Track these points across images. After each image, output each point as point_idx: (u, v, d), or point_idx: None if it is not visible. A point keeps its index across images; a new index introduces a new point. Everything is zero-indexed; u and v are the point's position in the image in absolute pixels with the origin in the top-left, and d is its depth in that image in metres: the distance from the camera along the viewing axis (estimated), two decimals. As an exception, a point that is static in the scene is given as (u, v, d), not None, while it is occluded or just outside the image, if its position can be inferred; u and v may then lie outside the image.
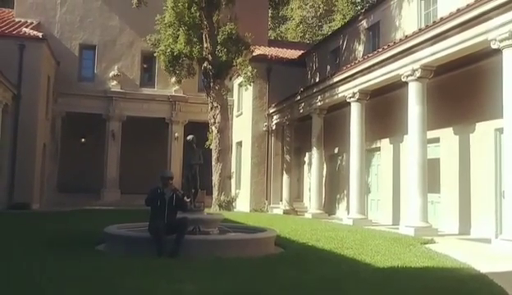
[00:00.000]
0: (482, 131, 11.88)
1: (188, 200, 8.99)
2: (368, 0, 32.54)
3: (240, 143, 24.42)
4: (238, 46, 19.82)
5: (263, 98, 22.73)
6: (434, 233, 11.33)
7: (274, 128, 22.44)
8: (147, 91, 25.40)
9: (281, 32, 42.09)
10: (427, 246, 9.35)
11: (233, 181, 24.10)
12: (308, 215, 18.07)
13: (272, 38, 36.11)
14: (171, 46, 19.80)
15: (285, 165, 21.52)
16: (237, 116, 24.81)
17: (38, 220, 14.18)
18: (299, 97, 19.30)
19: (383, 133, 16.03)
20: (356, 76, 14.93)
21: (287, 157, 21.44)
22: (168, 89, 25.36)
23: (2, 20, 23.17)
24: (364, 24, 19.31)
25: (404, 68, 12.44)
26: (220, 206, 19.67)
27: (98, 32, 25.13)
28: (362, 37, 19.45)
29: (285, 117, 21.03)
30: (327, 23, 38.88)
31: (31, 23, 23.40)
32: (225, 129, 20.50)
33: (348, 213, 15.90)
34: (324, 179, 19.32)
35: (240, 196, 22.79)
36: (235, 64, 19.95)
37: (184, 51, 19.70)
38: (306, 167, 22.00)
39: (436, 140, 13.30)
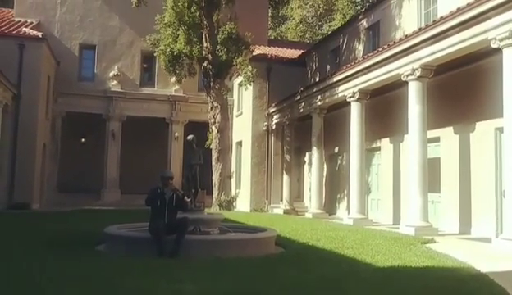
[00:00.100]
0: (483, 130, 11.88)
1: (188, 200, 8.97)
2: (367, -1, 32.55)
3: (240, 143, 24.42)
4: (238, 45, 19.81)
5: (263, 98, 22.73)
6: (434, 233, 11.33)
7: (274, 127, 22.43)
8: (147, 91, 25.40)
9: (281, 31, 42.10)
10: (427, 245, 9.34)
11: (233, 181, 24.11)
12: (308, 215, 18.07)
13: (272, 37, 36.11)
14: (171, 45, 19.80)
15: (285, 165, 21.52)
16: (237, 116, 24.80)
17: (38, 220, 14.18)
18: (299, 97, 19.29)
19: (383, 133, 16.02)
20: (356, 76, 14.92)
21: (287, 157, 21.43)
22: (168, 89, 25.36)
23: (1, 20, 23.16)
24: (364, 23, 19.30)
25: (404, 67, 12.43)
26: (220, 205, 19.66)
27: (98, 32, 25.12)
28: (362, 36, 19.44)
29: (285, 117, 21.02)
30: (327, 22, 38.90)
31: (31, 23, 23.39)
32: (225, 129, 20.50)
33: (348, 213, 15.90)
34: (324, 178, 19.32)
35: (240, 196, 22.79)
36: (235, 63, 19.94)
37: (184, 50, 19.69)
38: (306, 167, 22.00)
39: (437, 139, 13.30)
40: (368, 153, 16.36)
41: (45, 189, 22.23)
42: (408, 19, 16.30)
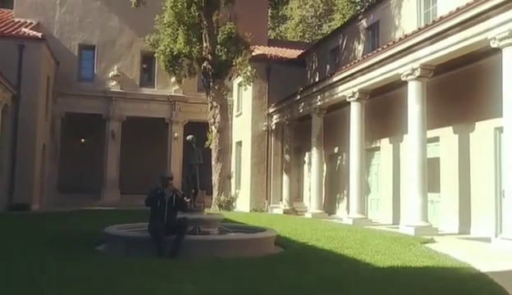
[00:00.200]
0: (482, 130, 11.88)
1: (188, 200, 8.98)
2: (367, -1, 32.56)
3: (239, 143, 24.42)
4: (237, 45, 19.81)
5: (263, 98, 22.73)
6: (434, 233, 11.33)
7: (274, 127, 22.44)
8: (147, 91, 25.39)
9: (281, 31, 42.10)
10: (427, 245, 9.35)
11: (233, 181, 24.11)
12: (308, 215, 18.07)
13: (272, 37, 36.11)
14: (171, 46, 19.79)
15: (284, 165, 21.52)
16: (237, 116, 24.80)
17: (38, 221, 14.19)
18: (298, 97, 19.29)
19: (383, 133, 16.03)
20: (356, 76, 14.92)
21: (287, 157, 21.44)
22: (168, 89, 25.35)
23: (1, 21, 23.15)
24: (364, 23, 19.31)
25: (403, 67, 12.44)
26: (220, 206, 19.66)
27: (97, 32, 25.12)
28: (361, 36, 19.45)
29: (285, 117, 21.02)
30: (327, 22, 38.91)
31: (30, 23, 23.38)
32: (224, 129, 20.49)
33: (348, 213, 15.90)
34: (324, 178, 19.33)
35: (240, 196, 22.79)
36: (234, 64, 19.93)
37: (183, 51, 19.68)
38: (306, 167, 22.00)
39: (436, 139, 13.30)
40: (368, 153, 16.37)
41: (45, 190, 22.22)
42: (407, 19, 16.30)
